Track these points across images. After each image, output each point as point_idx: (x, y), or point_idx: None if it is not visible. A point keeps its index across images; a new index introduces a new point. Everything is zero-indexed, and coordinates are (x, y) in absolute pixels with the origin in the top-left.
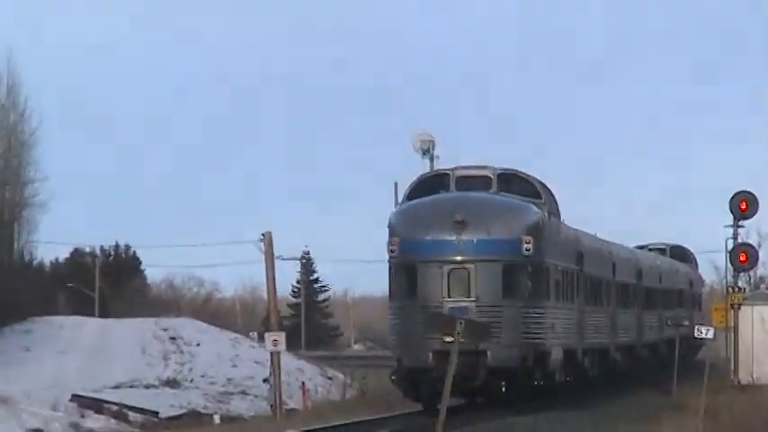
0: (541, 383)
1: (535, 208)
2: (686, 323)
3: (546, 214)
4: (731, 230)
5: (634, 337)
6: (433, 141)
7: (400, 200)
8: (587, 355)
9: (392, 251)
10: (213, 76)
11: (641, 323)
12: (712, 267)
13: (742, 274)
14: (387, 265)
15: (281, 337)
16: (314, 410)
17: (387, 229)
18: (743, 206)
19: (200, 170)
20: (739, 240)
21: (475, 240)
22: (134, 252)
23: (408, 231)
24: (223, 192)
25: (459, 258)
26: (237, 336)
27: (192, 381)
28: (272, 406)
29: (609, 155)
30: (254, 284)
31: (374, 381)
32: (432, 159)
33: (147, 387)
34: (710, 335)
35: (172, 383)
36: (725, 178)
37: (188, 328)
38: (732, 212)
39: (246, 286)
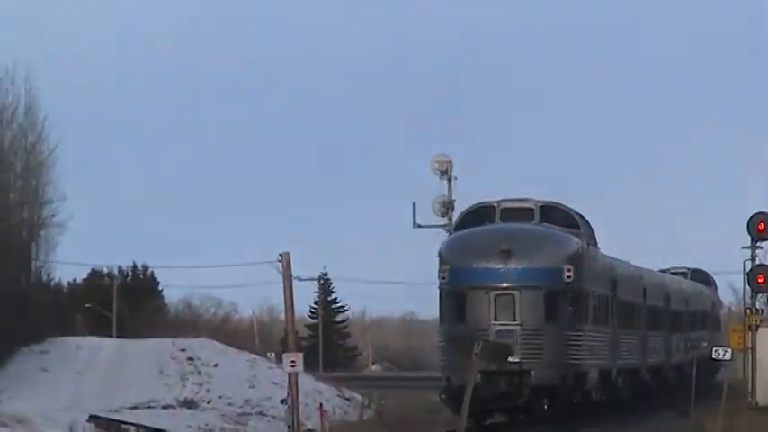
0: (580, 401)
1: (575, 238)
2: (705, 344)
3: (585, 244)
4: (749, 252)
5: (662, 358)
6: (450, 162)
7: (451, 230)
8: (620, 374)
9: (443, 278)
10: (226, 89)
11: (668, 345)
12: (730, 289)
13: (760, 295)
14: (416, 288)
15: (299, 357)
16: (332, 431)
17: (437, 257)
18: (761, 227)
19: (218, 191)
20: (757, 261)
21: (520, 268)
22: (152, 272)
23: (458, 260)
24: (241, 212)
25: (504, 285)
26: (255, 356)
27: (209, 402)
28: (289, 427)
29: (624, 173)
30: (271, 305)
31: (392, 402)
32: (449, 180)
33: (164, 408)
34: (728, 356)
35: (189, 404)
36: (743, 199)
37: (206, 348)
38: (750, 234)
39: (264, 307)
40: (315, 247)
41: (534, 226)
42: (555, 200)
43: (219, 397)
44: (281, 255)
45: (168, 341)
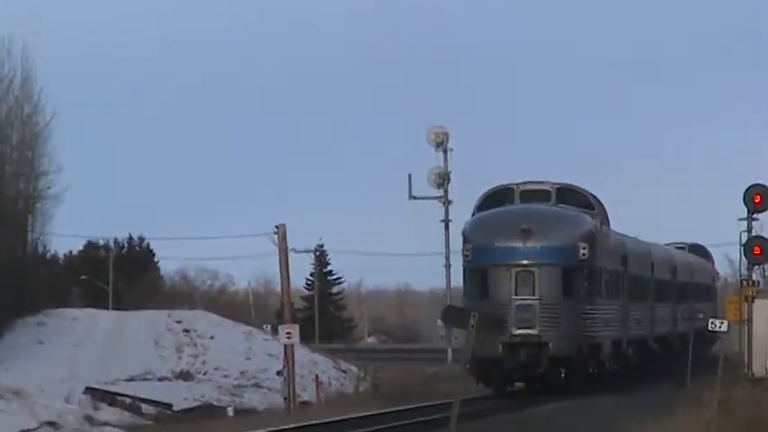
0: (595, 371)
1: (589, 218)
2: (701, 316)
3: (598, 223)
4: (745, 224)
5: (669, 328)
6: (446, 134)
7: (471, 211)
8: (630, 345)
9: (466, 256)
10: (228, 72)
11: (675, 315)
12: (726, 261)
13: (756, 267)
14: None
15: (295, 329)
16: (327, 403)
17: (461, 237)
18: (757, 199)
19: (214, 162)
20: (753, 233)
21: (538, 247)
22: (148, 244)
23: (480, 239)
24: (237, 184)
25: (524, 262)
26: (251, 328)
27: (205, 373)
28: (285, 399)
29: (618, 148)
30: (267, 277)
31: (388, 374)
32: (445, 152)
33: (160, 380)
34: (724, 328)
35: (185, 376)
36: (740, 171)
37: (202, 320)
38: (746, 205)
39: (260, 279)
40: (311, 219)
41: (551, 207)
42: (566, 180)
43: (215, 369)
44: (276, 227)
45: (164, 313)
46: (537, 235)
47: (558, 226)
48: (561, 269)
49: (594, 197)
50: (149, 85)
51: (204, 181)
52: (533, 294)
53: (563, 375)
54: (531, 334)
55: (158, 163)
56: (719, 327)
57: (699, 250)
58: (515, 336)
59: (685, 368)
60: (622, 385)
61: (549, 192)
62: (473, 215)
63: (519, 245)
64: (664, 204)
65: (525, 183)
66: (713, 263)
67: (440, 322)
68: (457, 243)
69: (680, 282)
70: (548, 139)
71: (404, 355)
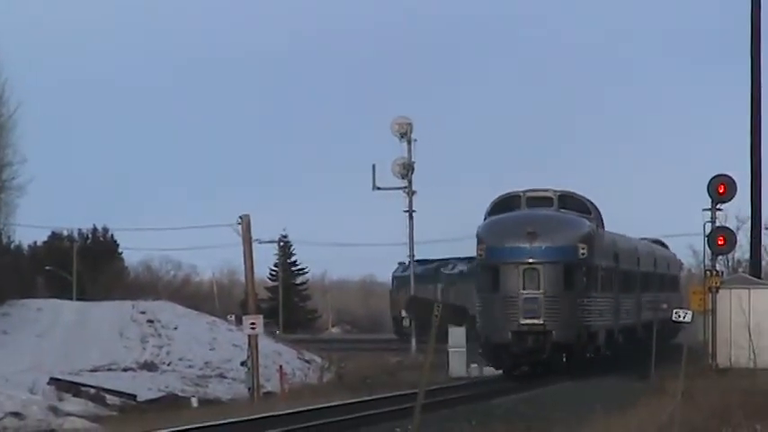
0: (592, 356)
1: (587, 222)
2: (665, 306)
3: (595, 226)
4: (709, 214)
5: (652, 316)
6: (410, 125)
7: (483, 216)
8: (621, 332)
9: (480, 255)
10: (195, 57)
11: (657, 304)
12: (690, 251)
13: (720, 257)
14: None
15: (259, 320)
16: (291, 394)
17: (475, 238)
18: (721, 189)
19: (178, 152)
20: (717, 224)
21: (543, 247)
22: (112, 235)
23: (492, 240)
24: (201, 174)
25: (531, 261)
26: (215, 319)
27: (169, 364)
28: (249, 389)
29: (582, 137)
30: (231, 268)
31: (352, 364)
32: (409, 142)
33: (124, 370)
34: (688, 318)
35: (149, 366)
36: (703, 161)
37: (166, 311)
38: (710, 196)
39: (224, 269)
40: (275, 210)
41: (554, 212)
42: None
43: (179, 359)
44: (240, 217)
45: (128, 303)
46: (542, 237)
47: (560, 229)
48: (563, 266)
49: (591, 203)
50: (116, 75)
51: (168, 171)
52: (538, 288)
53: (564, 360)
54: (536, 323)
55: (122, 153)
56: (683, 317)
57: (661, 246)
58: (523, 325)
59: (663, 357)
60: (613, 369)
61: (551, 198)
62: (485, 219)
63: (526, 245)
64: (626, 195)
65: (530, 190)
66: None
67: (403, 313)
68: (421, 233)
69: (659, 273)
70: (514, 129)
71: (368, 346)
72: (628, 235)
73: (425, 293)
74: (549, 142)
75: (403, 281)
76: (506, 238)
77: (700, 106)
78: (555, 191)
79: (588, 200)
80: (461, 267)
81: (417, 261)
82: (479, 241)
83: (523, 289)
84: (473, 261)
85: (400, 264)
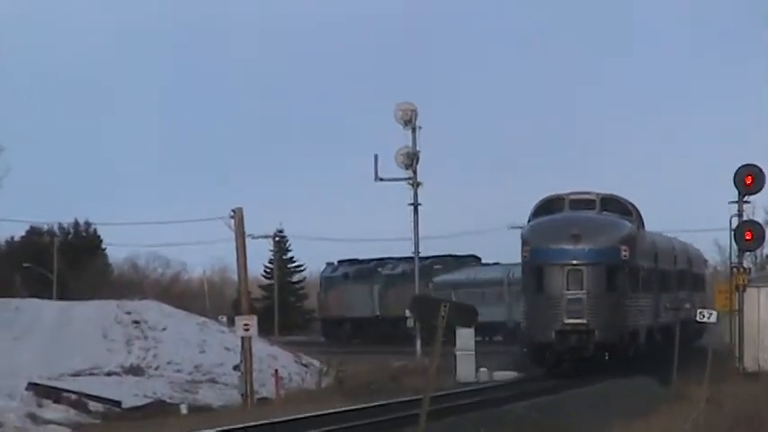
0: (633, 355)
1: (629, 224)
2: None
3: (636, 228)
4: (736, 207)
5: (688, 314)
6: (414, 111)
7: (527, 218)
8: (660, 331)
9: (525, 256)
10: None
11: (692, 301)
12: (716, 247)
13: (747, 253)
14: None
15: (253, 321)
16: (287, 400)
17: (520, 240)
18: (748, 180)
19: (167, 142)
20: (744, 218)
21: (586, 249)
22: (95, 230)
23: (537, 242)
24: (192, 165)
25: (575, 262)
26: (206, 320)
27: (156, 368)
28: (242, 395)
29: (599, 124)
30: (223, 265)
31: (352, 368)
32: (414, 130)
33: (108, 375)
34: (713, 319)
35: (135, 371)
36: (729, 150)
37: (153, 311)
38: (737, 187)
39: (216, 267)
40: (270, 203)
41: (597, 214)
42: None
43: (168, 363)
44: (233, 210)
45: (112, 303)
46: (585, 239)
47: (603, 231)
48: (606, 267)
49: (632, 205)
50: (95, 63)
51: (155, 162)
52: (582, 289)
53: (607, 358)
54: (580, 323)
55: (106, 143)
56: (708, 318)
57: None
58: (567, 324)
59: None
60: (650, 368)
61: (594, 201)
62: (529, 221)
63: (570, 247)
64: (644, 185)
65: (573, 193)
66: None
67: (408, 312)
68: (426, 227)
69: (694, 272)
70: (523, 117)
71: (370, 349)
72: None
73: (354, 295)
74: (562, 130)
75: (332, 281)
76: (551, 240)
77: (726, 91)
78: (597, 194)
79: (629, 202)
80: (404, 267)
81: (348, 261)
82: (524, 243)
83: (567, 289)
84: (408, 261)
85: (329, 264)
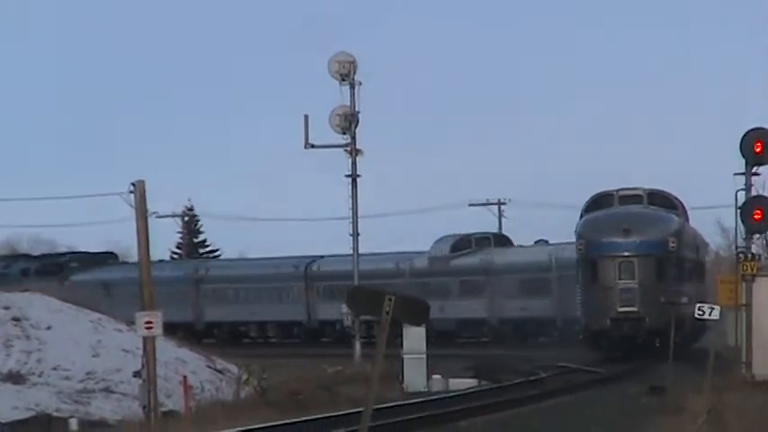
0: (679, 341)
1: (675, 217)
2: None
3: (682, 221)
4: (743, 180)
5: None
6: (353, 63)
7: (579, 215)
8: None
9: (580, 249)
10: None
11: (690, 294)
12: (718, 228)
13: (756, 236)
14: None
15: (157, 317)
16: (199, 413)
17: (574, 234)
18: (758, 148)
19: (53, 110)
20: (753, 192)
21: (637, 241)
22: None
23: (591, 235)
24: (81, 130)
25: (626, 254)
26: (100, 316)
27: (41, 375)
28: (144, 408)
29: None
30: (121, 249)
31: (278, 375)
32: (352, 86)
33: None
34: (715, 315)
35: (15, 378)
36: (736, 113)
37: (36, 306)
38: (744, 156)
39: (112, 251)
40: (177, 176)
41: (645, 209)
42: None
43: (54, 369)
44: (133, 184)
45: None
46: (635, 232)
47: (652, 225)
48: (655, 259)
49: (677, 199)
50: None
51: (37, 127)
52: (633, 279)
53: (657, 344)
54: (632, 311)
55: None
56: (709, 314)
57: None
58: (620, 312)
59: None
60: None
61: (641, 196)
62: (581, 217)
63: (621, 240)
64: (635, 152)
65: (622, 189)
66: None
67: (344, 308)
68: (366, 206)
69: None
70: (490, 73)
71: (298, 352)
72: None
73: None
74: (540, 90)
75: None
76: (603, 233)
77: (729, 44)
78: (644, 189)
79: (675, 196)
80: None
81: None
82: (579, 237)
83: (620, 279)
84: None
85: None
